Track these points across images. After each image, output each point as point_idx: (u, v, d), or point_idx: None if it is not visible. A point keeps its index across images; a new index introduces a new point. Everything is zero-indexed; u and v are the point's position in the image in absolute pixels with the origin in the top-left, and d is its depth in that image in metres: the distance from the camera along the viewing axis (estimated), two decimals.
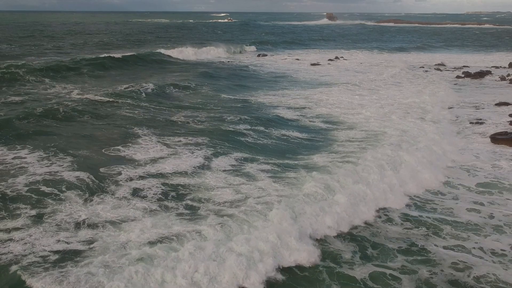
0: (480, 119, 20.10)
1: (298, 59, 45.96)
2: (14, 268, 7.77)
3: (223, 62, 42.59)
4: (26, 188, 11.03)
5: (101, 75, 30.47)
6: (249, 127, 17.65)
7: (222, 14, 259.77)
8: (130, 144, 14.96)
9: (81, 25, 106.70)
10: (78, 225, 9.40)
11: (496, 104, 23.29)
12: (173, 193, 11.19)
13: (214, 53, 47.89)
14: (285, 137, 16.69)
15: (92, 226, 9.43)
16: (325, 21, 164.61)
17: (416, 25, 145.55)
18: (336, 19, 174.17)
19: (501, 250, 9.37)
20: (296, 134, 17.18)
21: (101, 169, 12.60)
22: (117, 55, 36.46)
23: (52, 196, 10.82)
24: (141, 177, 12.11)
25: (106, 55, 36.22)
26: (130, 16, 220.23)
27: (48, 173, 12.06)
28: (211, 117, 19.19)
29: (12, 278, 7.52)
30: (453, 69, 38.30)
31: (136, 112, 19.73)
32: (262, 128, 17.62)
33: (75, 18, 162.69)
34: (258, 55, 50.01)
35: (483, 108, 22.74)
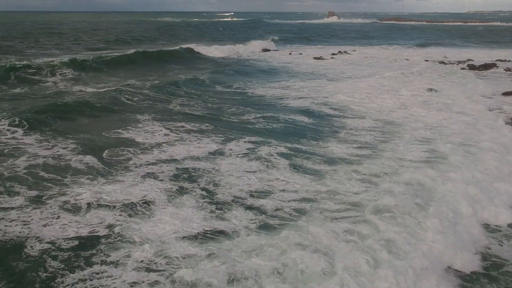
0: (489, 108, 19.97)
1: (310, 54, 45.90)
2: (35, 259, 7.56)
3: (237, 58, 42.10)
4: (26, 171, 11.15)
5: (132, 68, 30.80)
6: (258, 115, 17.73)
7: (227, 14, 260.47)
8: (141, 131, 15.23)
9: (91, 24, 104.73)
10: (89, 209, 9.28)
11: (503, 94, 23.17)
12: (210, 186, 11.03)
13: (227, 49, 46.39)
14: (294, 126, 16.61)
15: (108, 209, 9.33)
16: (334, 19, 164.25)
17: (424, 23, 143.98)
18: (338, 17, 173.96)
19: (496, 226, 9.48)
20: (304, 121, 17.20)
21: (106, 153, 12.71)
22: (141, 50, 36.92)
23: (62, 178, 10.94)
24: (161, 162, 12.20)
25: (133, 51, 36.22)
26: (134, 15, 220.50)
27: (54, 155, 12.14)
28: (216, 107, 19.23)
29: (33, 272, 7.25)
30: (457, 63, 38.15)
31: (145, 102, 19.93)
32: (271, 114, 17.75)
33: (80, 18, 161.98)
34: (263, 50, 49.68)
35: (490, 98, 22.59)
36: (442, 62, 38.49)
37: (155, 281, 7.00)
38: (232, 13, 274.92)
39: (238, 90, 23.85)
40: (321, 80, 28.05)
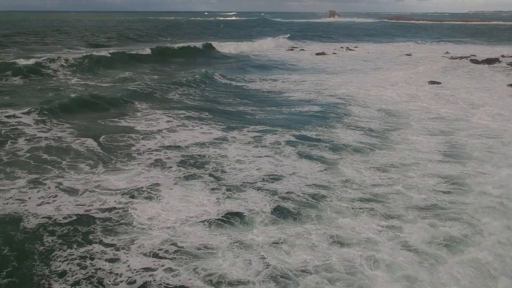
0: None
1: (323, 50, 45.79)
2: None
3: (252, 54, 41.28)
4: (28, 154, 11.21)
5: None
6: (256, 107, 17.76)
7: (230, 13, 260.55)
8: (143, 120, 15.14)
9: (94, 23, 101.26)
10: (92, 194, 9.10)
11: (509, 85, 23.07)
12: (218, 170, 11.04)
13: (242, 46, 45.12)
14: (295, 114, 16.58)
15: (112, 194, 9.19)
16: (337, 18, 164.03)
17: (429, 22, 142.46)
18: (339, 16, 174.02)
19: None
20: (311, 111, 17.16)
21: (116, 141, 12.64)
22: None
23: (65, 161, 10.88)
24: (166, 148, 12.15)
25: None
26: (135, 15, 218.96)
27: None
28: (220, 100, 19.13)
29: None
30: (460, 57, 38.04)
31: (158, 96, 19.79)
32: (273, 108, 17.72)
33: (82, 17, 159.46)
34: (276, 47, 48.89)
35: (495, 90, 22.47)
36: (445, 58, 38.36)
37: (168, 268, 6.61)
38: (235, 13, 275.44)
39: (252, 84, 23.70)
40: (328, 74, 28.05)
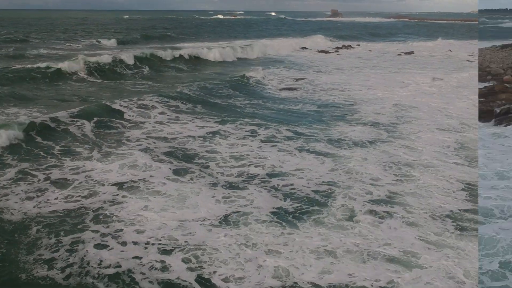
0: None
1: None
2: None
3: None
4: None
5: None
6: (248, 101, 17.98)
7: (237, 12, 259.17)
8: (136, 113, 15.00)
9: (105, 21, 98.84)
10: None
11: None
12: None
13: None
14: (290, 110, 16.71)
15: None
16: (340, 17, 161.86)
17: (441, 22, 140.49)
18: (341, 15, 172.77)
19: None
20: (310, 108, 17.24)
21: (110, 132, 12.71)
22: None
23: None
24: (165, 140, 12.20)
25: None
26: (139, 14, 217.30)
27: None
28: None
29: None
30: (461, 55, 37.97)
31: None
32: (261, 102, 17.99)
33: (88, 15, 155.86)
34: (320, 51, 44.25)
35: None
36: (446, 55, 38.27)
37: (156, 261, 6.38)
38: (242, 12, 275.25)
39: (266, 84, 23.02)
40: (325, 70, 28.12)
